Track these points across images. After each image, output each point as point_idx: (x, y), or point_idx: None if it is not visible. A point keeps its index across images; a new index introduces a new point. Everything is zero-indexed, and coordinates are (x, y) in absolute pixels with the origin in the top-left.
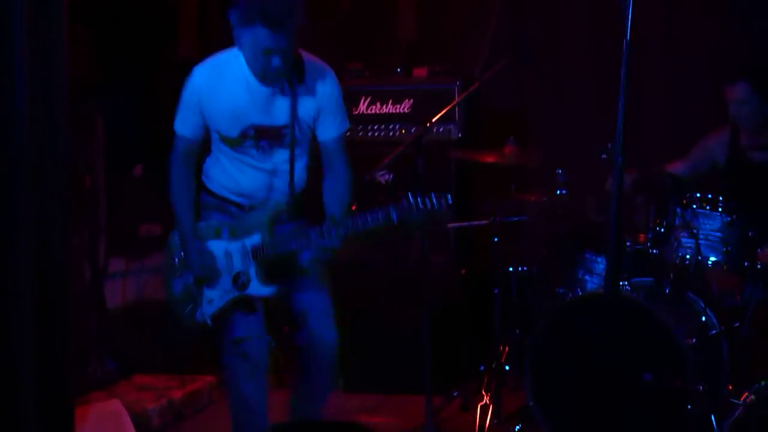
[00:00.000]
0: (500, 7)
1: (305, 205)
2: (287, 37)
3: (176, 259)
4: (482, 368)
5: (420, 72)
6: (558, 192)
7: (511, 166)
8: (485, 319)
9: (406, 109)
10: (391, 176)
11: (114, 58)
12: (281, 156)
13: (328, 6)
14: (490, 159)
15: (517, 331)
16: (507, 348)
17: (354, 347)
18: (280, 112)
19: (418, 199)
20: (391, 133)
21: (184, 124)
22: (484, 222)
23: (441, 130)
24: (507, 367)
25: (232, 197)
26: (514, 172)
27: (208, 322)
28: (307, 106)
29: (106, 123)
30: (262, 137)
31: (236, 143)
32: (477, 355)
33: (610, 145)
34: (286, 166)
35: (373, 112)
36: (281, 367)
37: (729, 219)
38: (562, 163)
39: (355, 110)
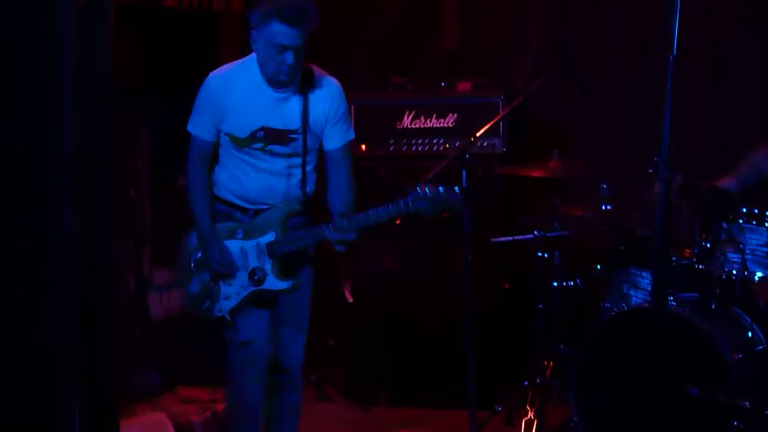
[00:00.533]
0: (543, 18)
1: (314, 210)
2: (300, 37)
3: (192, 261)
4: (526, 383)
5: (464, 86)
6: (602, 206)
7: (555, 179)
8: (529, 334)
9: (450, 123)
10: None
11: (159, 67)
12: (290, 161)
13: (371, 19)
14: (534, 173)
15: (562, 346)
16: (551, 363)
17: (397, 361)
18: (290, 116)
19: (426, 190)
20: (435, 147)
21: (200, 127)
22: (529, 236)
23: (485, 144)
24: (552, 382)
25: (238, 201)
26: (558, 185)
27: (227, 316)
28: (316, 115)
29: (150, 133)
30: (271, 140)
31: (245, 144)
32: (521, 370)
33: (656, 159)
34: (297, 171)
35: (417, 126)
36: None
37: None
38: (607, 177)
39: (400, 124)
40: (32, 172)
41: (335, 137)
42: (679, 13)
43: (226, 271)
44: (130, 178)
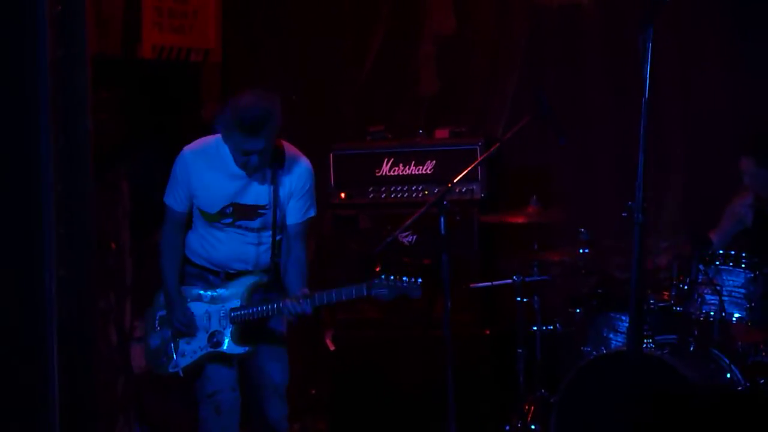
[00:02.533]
0: (521, 64)
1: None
2: (263, 141)
3: (157, 318)
4: (507, 428)
5: (442, 133)
6: (581, 251)
7: (534, 224)
8: (510, 379)
9: (428, 170)
10: (414, 237)
11: (139, 122)
12: (259, 233)
13: (348, 68)
14: (513, 218)
15: (543, 391)
16: (532, 407)
17: (376, 407)
18: (260, 192)
19: (390, 278)
20: (414, 194)
21: (174, 198)
22: (508, 281)
23: (464, 190)
24: (533, 426)
25: (209, 266)
26: (537, 230)
27: (180, 373)
28: (284, 191)
29: (131, 187)
30: (240, 216)
31: (214, 219)
32: (502, 415)
33: (630, 203)
34: (267, 239)
35: (395, 173)
36: None
37: (752, 275)
38: (585, 222)
39: (378, 172)
40: (12, 225)
41: (296, 213)
42: (655, 58)
43: (185, 331)
44: (111, 231)
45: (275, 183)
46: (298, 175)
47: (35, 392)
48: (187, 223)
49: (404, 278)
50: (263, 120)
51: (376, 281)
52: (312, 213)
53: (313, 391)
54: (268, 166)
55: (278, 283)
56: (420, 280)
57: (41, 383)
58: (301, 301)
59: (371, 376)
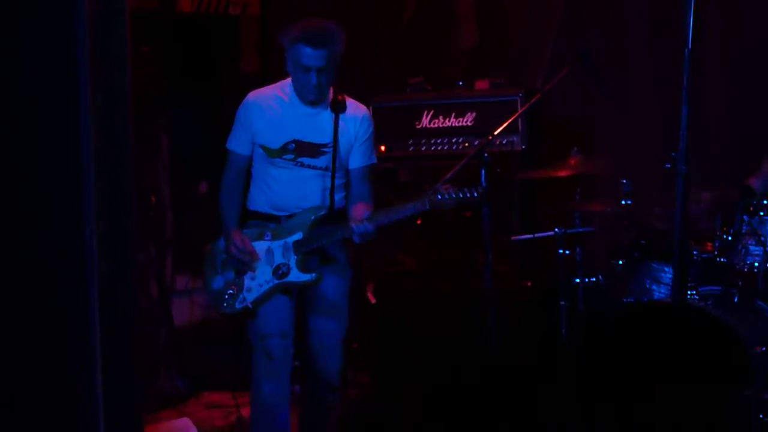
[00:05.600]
0: (561, 14)
1: (345, 221)
2: (324, 58)
3: (219, 260)
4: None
5: (482, 84)
6: (623, 201)
7: (575, 176)
8: (552, 331)
9: (468, 122)
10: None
11: (178, 75)
12: (319, 173)
13: (387, 21)
14: (554, 170)
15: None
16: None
17: (418, 360)
18: (322, 130)
19: (450, 192)
20: (454, 147)
21: (237, 142)
22: (550, 233)
23: (504, 142)
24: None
25: (269, 210)
26: (578, 182)
27: (250, 306)
28: (345, 133)
29: (170, 140)
30: (302, 152)
31: (276, 155)
32: (545, 367)
33: (674, 154)
34: (327, 181)
35: (435, 125)
36: None
37: None
38: (627, 173)
39: (418, 124)
40: (52, 182)
41: (359, 157)
42: (696, 6)
43: (246, 258)
44: (150, 185)
45: (337, 124)
46: (361, 120)
47: (77, 346)
48: (248, 174)
49: (460, 191)
50: (329, 35)
51: (438, 195)
52: (374, 160)
53: (355, 345)
54: (331, 108)
55: (339, 217)
56: (476, 190)
57: (83, 337)
58: (364, 221)
59: (412, 329)
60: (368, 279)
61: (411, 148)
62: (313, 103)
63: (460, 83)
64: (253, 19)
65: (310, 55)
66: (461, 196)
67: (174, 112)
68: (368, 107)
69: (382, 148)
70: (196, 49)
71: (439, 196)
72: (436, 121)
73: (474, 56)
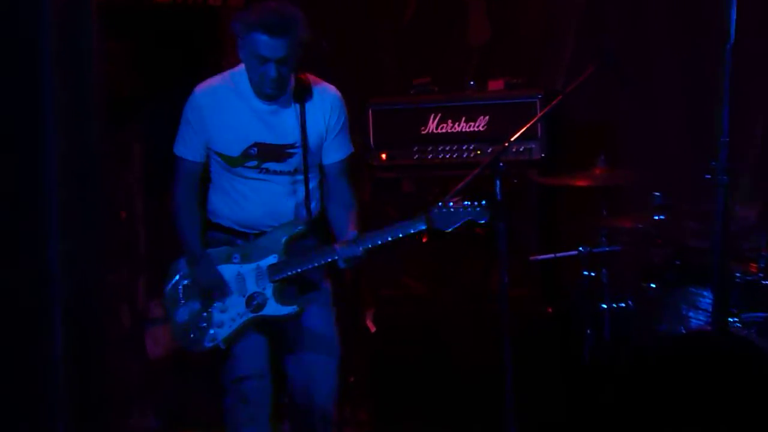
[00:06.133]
0: (582, 7)
1: (323, 229)
2: (284, 48)
3: (181, 289)
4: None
5: (496, 84)
6: (655, 217)
7: (601, 188)
8: (575, 363)
9: (481, 126)
10: (466, 203)
11: (153, 73)
12: (291, 178)
13: (388, 14)
14: (578, 181)
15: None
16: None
17: (423, 395)
18: (285, 129)
19: (450, 205)
20: (465, 155)
21: (186, 147)
22: (573, 253)
23: (522, 149)
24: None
25: (238, 228)
26: (605, 195)
27: (222, 345)
28: (314, 127)
29: (145, 147)
30: (266, 157)
31: (237, 163)
32: (568, 401)
33: (713, 163)
34: (300, 188)
35: (443, 131)
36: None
37: None
38: (659, 184)
39: (424, 129)
40: (8, 194)
41: (334, 150)
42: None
43: (216, 293)
44: (122, 199)
45: (303, 117)
46: (330, 107)
47: (37, 380)
48: (206, 182)
49: (466, 202)
50: (287, 21)
51: (435, 210)
52: (351, 149)
53: (352, 379)
54: (294, 98)
55: (318, 231)
56: (484, 202)
57: (44, 370)
58: (350, 244)
59: (417, 360)
60: (367, 304)
61: (416, 156)
62: (272, 97)
63: (471, 83)
64: (235, 10)
65: (268, 44)
66: (462, 211)
67: (149, 115)
68: (368, 110)
69: (383, 156)
70: (173, 44)
71: (436, 212)
72: (444, 125)
73: (486, 54)
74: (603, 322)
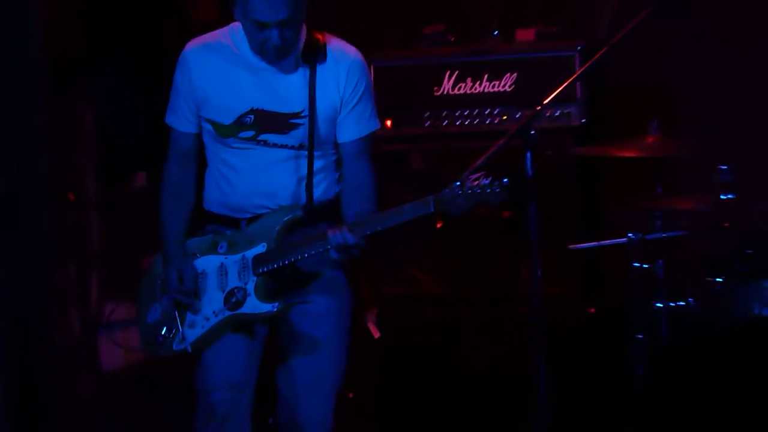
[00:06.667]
0: None
1: (332, 218)
2: (286, 8)
3: (158, 285)
4: None
5: (525, 35)
6: (722, 196)
7: (655, 160)
8: (624, 373)
9: (507, 86)
10: (489, 180)
11: (106, 29)
12: (294, 154)
13: None
14: (626, 152)
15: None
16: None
17: (436, 414)
18: (291, 94)
19: (466, 186)
20: (487, 121)
21: (177, 115)
22: (621, 240)
23: (557, 114)
24: None
25: (227, 212)
26: (660, 169)
27: (189, 348)
28: (328, 94)
29: (97, 119)
30: (265, 127)
31: (230, 133)
32: (611, 422)
33: None
34: (302, 166)
35: (461, 92)
36: None
37: None
38: (726, 156)
39: (438, 90)
40: None
41: (351, 127)
42: None
43: (183, 299)
44: (70, 178)
45: (313, 81)
46: (348, 72)
47: None
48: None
49: (484, 180)
50: None
51: (447, 191)
52: (375, 125)
53: (352, 395)
54: (303, 58)
55: (328, 221)
56: (506, 180)
57: None
58: (344, 230)
59: (430, 373)
60: (369, 305)
61: (427, 124)
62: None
63: (496, 33)
64: None
65: (266, 8)
66: (471, 192)
67: (102, 79)
68: (369, 66)
69: (388, 123)
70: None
71: (448, 193)
72: (463, 85)
73: None
74: (658, 324)
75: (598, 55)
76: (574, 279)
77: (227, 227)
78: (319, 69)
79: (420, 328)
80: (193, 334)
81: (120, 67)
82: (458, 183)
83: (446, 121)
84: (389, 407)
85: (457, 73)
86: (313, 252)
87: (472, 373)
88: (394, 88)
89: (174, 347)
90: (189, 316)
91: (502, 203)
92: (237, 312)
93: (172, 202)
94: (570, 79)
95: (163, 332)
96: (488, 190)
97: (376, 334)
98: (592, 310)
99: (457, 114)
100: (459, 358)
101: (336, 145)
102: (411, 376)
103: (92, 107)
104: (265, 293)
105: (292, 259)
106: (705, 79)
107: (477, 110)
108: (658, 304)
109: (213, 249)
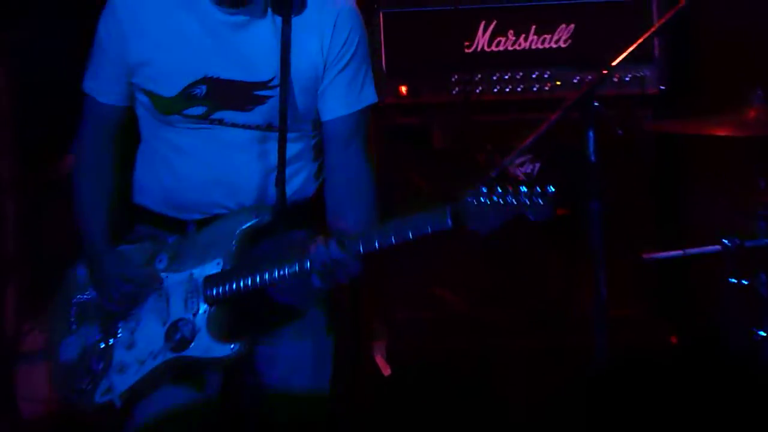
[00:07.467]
0: None
1: (310, 222)
2: None
3: (74, 307)
4: None
5: None
6: None
7: (758, 141)
8: (720, 420)
9: (561, 42)
10: (538, 167)
11: None
12: (259, 136)
13: None
14: (719, 130)
15: None
16: None
17: None
18: (257, 57)
19: (497, 190)
20: (535, 87)
21: (96, 79)
22: (713, 248)
23: (628, 79)
24: None
25: (168, 211)
26: (764, 154)
27: (117, 402)
28: (306, 55)
29: (13, 76)
30: (220, 102)
31: (174, 109)
32: None
33: None
34: (272, 154)
35: (501, 48)
36: None
37: None
38: None
39: (469, 47)
40: None
41: (340, 98)
42: None
43: (124, 304)
44: None
45: (288, 37)
46: (335, 24)
47: None
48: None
49: (521, 188)
50: None
51: (469, 198)
52: (371, 98)
53: None
54: (274, 6)
55: (294, 225)
56: (551, 189)
57: None
58: (329, 243)
59: (454, 418)
60: (377, 334)
61: (455, 90)
62: (237, 4)
63: None
64: None
65: None
66: (513, 204)
67: (18, 32)
68: (378, 13)
69: (403, 89)
70: None
71: (472, 203)
72: (503, 40)
73: None
74: (762, 356)
75: (681, 4)
76: (651, 299)
77: (169, 231)
78: (296, 21)
79: (442, 362)
80: (123, 381)
81: (42, 18)
82: (484, 187)
83: (480, 87)
84: None
85: (494, 23)
86: (286, 272)
87: (508, 420)
88: (410, 44)
89: (96, 399)
90: (118, 356)
91: (547, 221)
92: (182, 354)
93: (90, 184)
94: (645, 35)
95: (81, 379)
96: (526, 201)
97: (387, 371)
98: (674, 340)
99: (494, 78)
100: (492, 403)
101: (318, 125)
102: (430, 424)
103: (6, 61)
104: (221, 329)
105: (258, 283)
106: None
107: (521, 73)
108: (761, 333)
109: (150, 262)
